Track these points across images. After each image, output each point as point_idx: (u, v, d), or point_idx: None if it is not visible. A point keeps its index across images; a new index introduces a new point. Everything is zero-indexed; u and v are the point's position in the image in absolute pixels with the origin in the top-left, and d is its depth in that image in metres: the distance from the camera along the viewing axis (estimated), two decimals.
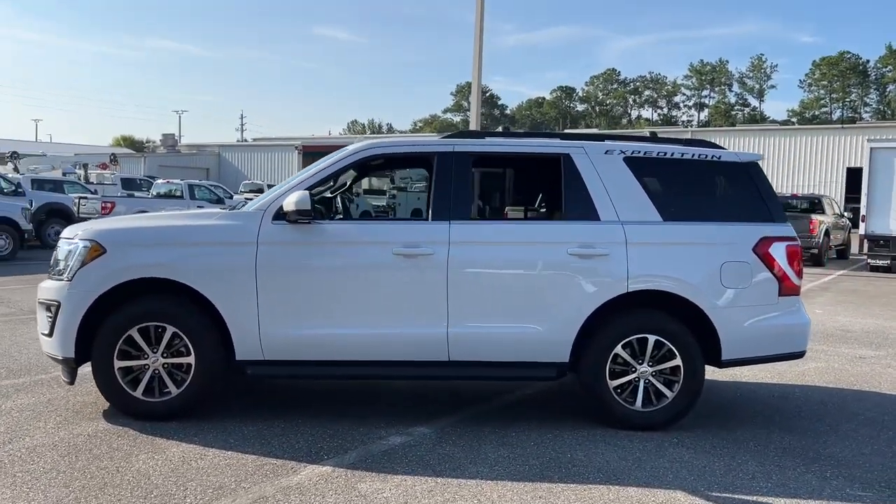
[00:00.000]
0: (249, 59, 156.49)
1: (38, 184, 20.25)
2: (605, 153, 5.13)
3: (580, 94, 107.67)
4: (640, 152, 5.17)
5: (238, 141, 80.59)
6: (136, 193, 24.79)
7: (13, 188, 16.40)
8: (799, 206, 20.72)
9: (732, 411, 5.60)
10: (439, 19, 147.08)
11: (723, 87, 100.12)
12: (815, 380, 6.68)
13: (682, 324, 4.96)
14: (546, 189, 6.32)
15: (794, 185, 41.28)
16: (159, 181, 26.28)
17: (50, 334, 4.85)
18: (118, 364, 4.77)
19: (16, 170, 25.39)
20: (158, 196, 22.80)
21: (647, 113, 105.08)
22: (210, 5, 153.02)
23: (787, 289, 5.06)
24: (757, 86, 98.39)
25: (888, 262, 17.49)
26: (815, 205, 20.80)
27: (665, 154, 5.19)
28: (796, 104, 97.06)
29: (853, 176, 36.75)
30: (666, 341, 4.91)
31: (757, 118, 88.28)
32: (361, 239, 4.97)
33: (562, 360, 4.94)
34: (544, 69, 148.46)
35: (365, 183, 18.51)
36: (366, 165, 5.89)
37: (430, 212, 5.00)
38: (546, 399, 5.77)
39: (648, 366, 4.94)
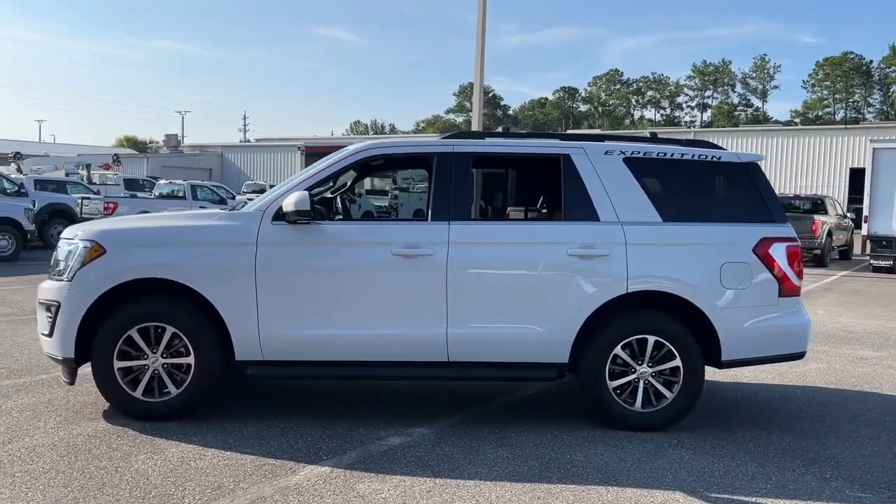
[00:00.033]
0: (250, 60, 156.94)
1: (41, 184, 20.27)
2: (605, 154, 5.12)
3: (583, 94, 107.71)
4: (639, 153, 5.16)
5: (241, 141, 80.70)
6: (139, 194, 24.84)
7: (16, 189, 16.42)
8: (802, 207, 20.75)
9: (732, 412, 5.59)
10: (440, 19, 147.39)
11: (726, 88, 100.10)
12: (816, 381, 6.67)
13: (682, 324, 4.95)
14: (546, 190, 6.32)
15: (797, 186, 41.25)
16: (162, 182, 26.34)
17: (50, 334, 4.86)
18: (118, 364, 4.78)
19: (19, 170, 25.41)
20: (161, 197, 22.87)
21: (650, 113, 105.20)
22: (210, 5, 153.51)
23: (788, 289, 5.05)
24: (760, 86, 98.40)
25: (891, 262, 17.47)
26: (817, 205, 20.80)
27: (665, 154, 5.19)
28: (799, 105, 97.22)
29: (856, 176, 36.71)
30: (666, 342, 4.90)
31: (760, 119, 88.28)
32: (361, 239, 4.97)
33: (561, 361, 4.93)
34: (547, 70, 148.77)
35: (367, 183, 18.54)
36: (366, 166, 5.90)
37: (429, 212, 5.01)
38: (546, 400, 5.77)
39: (648, 366, 4.93)
